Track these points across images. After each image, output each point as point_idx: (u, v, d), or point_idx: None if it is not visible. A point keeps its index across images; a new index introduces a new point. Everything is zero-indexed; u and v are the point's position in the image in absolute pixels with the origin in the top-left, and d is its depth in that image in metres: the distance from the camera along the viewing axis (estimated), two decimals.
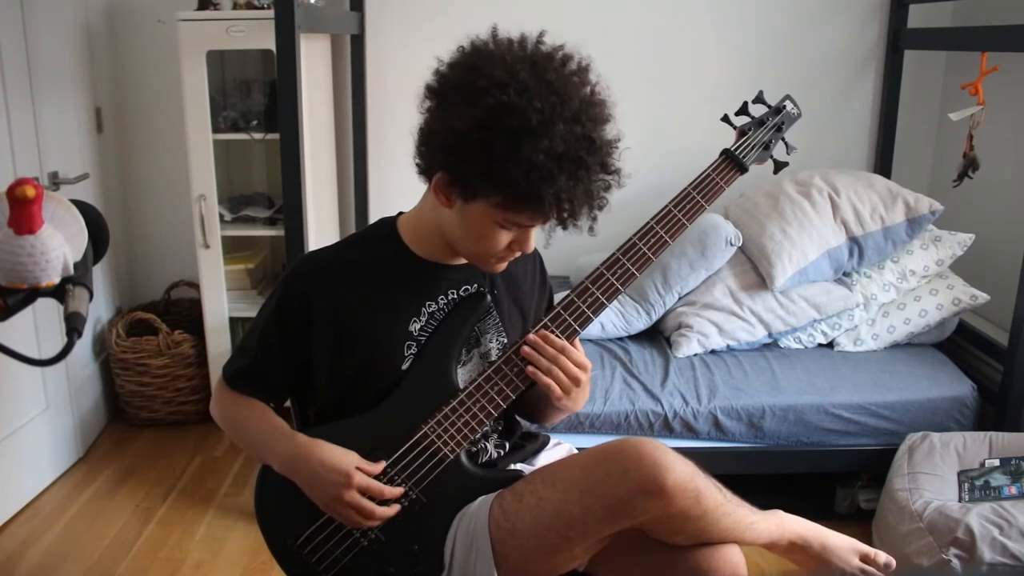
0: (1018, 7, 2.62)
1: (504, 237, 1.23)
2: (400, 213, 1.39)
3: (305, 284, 1.32)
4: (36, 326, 2.47)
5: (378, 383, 1.32)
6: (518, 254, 1.28)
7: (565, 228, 1.21)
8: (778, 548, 1.39)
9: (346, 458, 1.25)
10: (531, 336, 1.30)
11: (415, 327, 1.32)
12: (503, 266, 1.31)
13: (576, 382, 1.29)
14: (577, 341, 1.34)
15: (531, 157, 1.11)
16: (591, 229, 1.24)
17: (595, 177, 1.17)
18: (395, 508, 1.27)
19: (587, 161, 1.15)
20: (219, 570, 2.22)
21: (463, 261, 1.34)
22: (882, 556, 1.39)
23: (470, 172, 1.15)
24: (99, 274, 2.92)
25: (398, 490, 1.27)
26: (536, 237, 1.27)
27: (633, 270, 1.32)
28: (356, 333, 1.30)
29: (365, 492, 1.25)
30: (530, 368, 1.29)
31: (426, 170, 1.24)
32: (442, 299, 1.34)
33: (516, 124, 1.11)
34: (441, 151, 1.19)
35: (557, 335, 1.30)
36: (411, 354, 1.32)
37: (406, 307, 1.32)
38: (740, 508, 1.30)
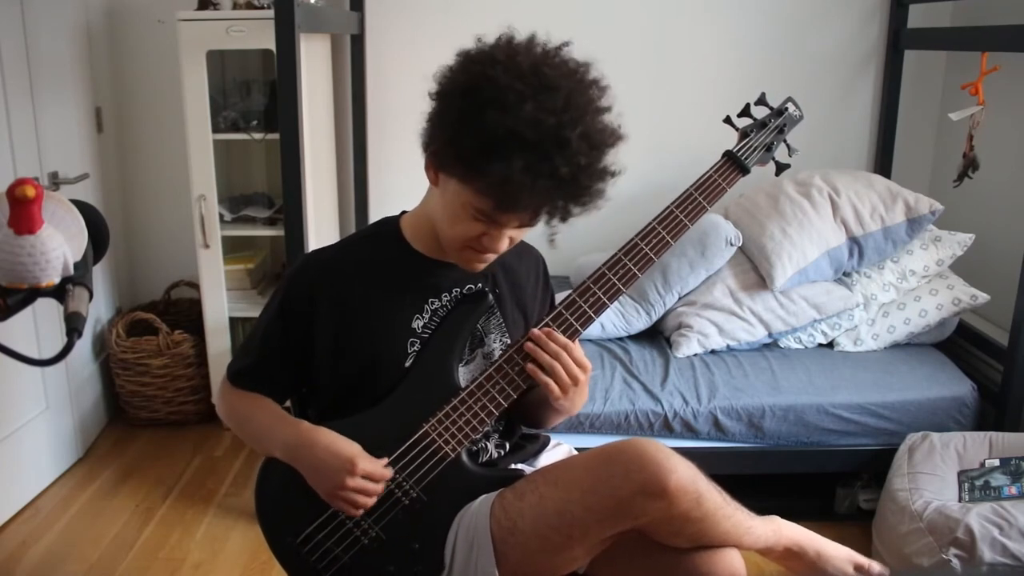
0: (1018, 7, 2.61)
1: (474, 226, 1.21)
2: (403, 212, 1.39)
3: (308, 283, 1.32)
4: (36, 326, 2.46)
5: (381, 380, 1.32)
6: (491, 256, 1.26)
7: (505, 212, 1.16)
8: (774, 554, 1.40)
9: (350, 445, 1.25)
10: (535, 331, 1.29)
11: (418, 324, 1.33)
12: (481, 265, 1.29)
13: (575, 381, 1.29)
14: (578, 342, 1.34)
15: (492, 130, 1.09)
16: (551, 241, 1.23)
17: (560, 183, 1.12)
18: (383, 486, 1.26)
19: (555, 161, 1.10)
20: (219, 570, 2.22)
21: None
22: (876, 567, 1.40)
23: (441, 137, 1.16)
24: (99, 274, 2.92)
25: (389, 471, 1.27)
26: (523, 239, 1.27)
27: (635, 270, 1.32)
28: (359, 330, 1.31)
29: (368, 478, 1.24)
30: (530, 365, 1.28)
31: (423, 150, 1.25)
32: (445, 296, 1.34)
33: (490, 96, 1.10)
34: (427, 119, 1.20)
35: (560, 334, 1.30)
36: (414, 351, 1.32)
37: (409, 304, 1.33)
38: (739, 512, 1.31)
